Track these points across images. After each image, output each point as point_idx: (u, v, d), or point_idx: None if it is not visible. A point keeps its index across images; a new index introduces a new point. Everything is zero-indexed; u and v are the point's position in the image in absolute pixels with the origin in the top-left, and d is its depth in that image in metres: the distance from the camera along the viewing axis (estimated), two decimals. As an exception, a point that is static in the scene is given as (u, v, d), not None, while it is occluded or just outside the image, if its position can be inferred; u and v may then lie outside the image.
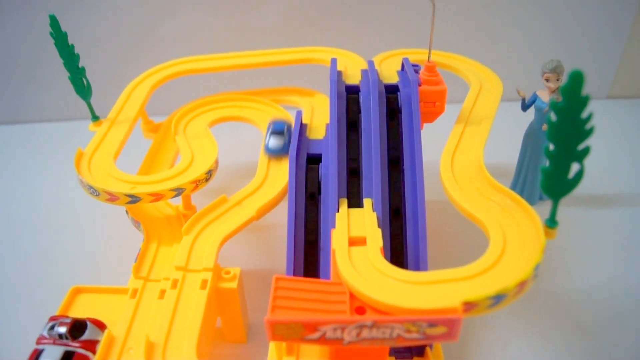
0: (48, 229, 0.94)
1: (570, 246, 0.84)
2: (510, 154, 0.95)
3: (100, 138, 0.79)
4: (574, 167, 0.48)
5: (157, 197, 0.69)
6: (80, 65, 0.79)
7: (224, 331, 0.70)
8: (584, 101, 0.44)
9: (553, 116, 0.46)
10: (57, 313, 0.64)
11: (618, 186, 0.97)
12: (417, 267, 0.60)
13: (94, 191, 0.70)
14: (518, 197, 0.58)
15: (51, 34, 0.76)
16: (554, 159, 0.48)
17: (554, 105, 0.45)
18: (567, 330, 0.71)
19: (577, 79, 0.43)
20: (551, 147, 0.47)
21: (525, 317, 0.73)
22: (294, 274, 0.62)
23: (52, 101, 1.28)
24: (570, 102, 0.44)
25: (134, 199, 0.69)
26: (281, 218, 0.66)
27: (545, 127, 0.85)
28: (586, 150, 0.47)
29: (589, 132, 0.46)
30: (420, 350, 0.60)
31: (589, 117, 0.45)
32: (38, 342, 0.60)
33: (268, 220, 0.75)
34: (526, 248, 0.52)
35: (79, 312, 0.65)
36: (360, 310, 0.52)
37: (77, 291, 0.68)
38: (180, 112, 0.86)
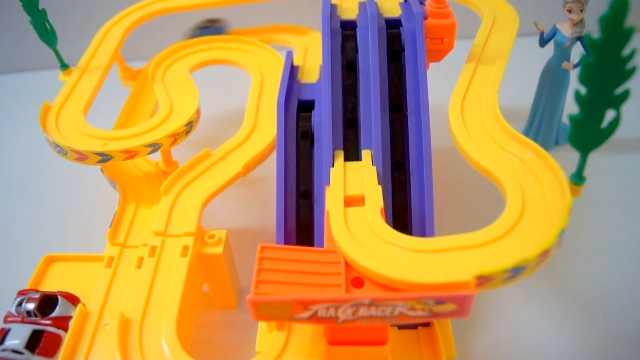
0: (16, 192, 0.87)
1: (589, 196, 0.77)
2: (525, 95, 0.87)
3: (69, 89, 0.72)
4: (609, 114, 0.40)
5: (130, 154, 0.62)
6: (41, 7, 0.70)
7: (213, 297, 0.65)
8: (627, 35, 0.37)
9: (586, 53, 0.38)
10: (28, 285, 0.60)
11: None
12: (423, 232, 0.54)
13: (61, 150, 0.63)
14: (539, 148, 0.51)
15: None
16: (586, 105, 0.40)
17: (589, 40, 0.37)
18: (586, 295, 0.66)
19: (620, 7, 0.36)
20: (583, 90, 0.40)
21: (540, 280, 0.67)
22: (285, 237, 0.56)
23: (15, 50, 1.17)
24: (611, 35, 0.37)
25: (104, 158, 0.62)
26: (272, 170, 0.59)
27: (565, 64, 0.77)
28: (625, 94, 0.40)
29: (631, 72, 0.38)
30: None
31: (632, 54, 0.38)
32: (5, 320, 0.55)
33: (257, 172, 0.68)
34: (549, 209, 0.46)
35: (52, 283, 0.60)
36: (357, 282, 0.46)
37: (50, 260, 0.63)
38: (158, 56, 0.78)
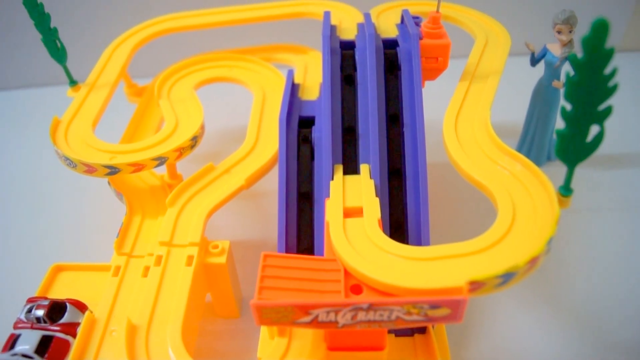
0: (27, 203, 0.89)
1: (579, 210, 0.79)
2: (517, 113, 0.89)
3: (78, 104, 0.74)
4: (593, 129, 0.43)
5: (137, 167, 0.64)
6: (52, 26, 0.73)
7: (215, 307, 0.66)
8: (607, 54, 0.39)
9: (571, 72, 0.40)
10: (36, 293, 0.61)
11: (631, 145, 0.92)
12: (419, 241, 0.56)
13: (70, 163, 0.65)
14: (529, 161, 0.53)
15: (18, -9, 0.69)
16: (571, 121, 0.42)
17: (573, 60, 0.40)
18: (579, 303, 0.68)
19: (600, 28, 0.38)
20: (568, 107, 0.42)
21: (533, 288, 0.69)
22: (287, 248, 0.58)
23: (27, 66, 1.20)
24: (593, 55, 0.39)
25: (113, 170, 0.64)
26: (273, 185, 0.62)
27: (555, 83, 0.79)
28: (608, 111, 0.42)
29: (612, 89, 0.41)
30: (422, 327, 0.56)
31: (613, 73, 0.40)
32: (15, 326, 0.56)
33: (259, 187, 0.70)
34: (538, 219, 0.48)
35: (60, 291, 0.62)
36: (356, 289, 0.48)
37: (58, 269, 0.64)
38: (164, 74, 0.80)
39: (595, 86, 0.40)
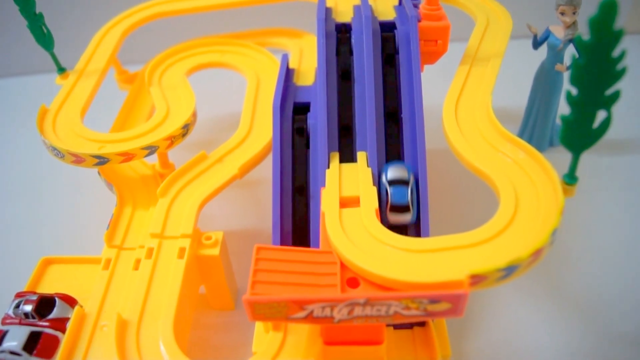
0: (13, 195, 0.87)
1: (587, 197, 0.78)
2: (518, 97, 0.87)
3: (66, 92, 0.72)
4: (600, 115, 0.41)
5: (127, 157, 0.63)
6: (38, 11, 0.71)
7: (209, 299, 0.65)
8: (616, 36, 0.37)
9: (577, 55, 0.38)
10: (25, 288, 0.60)
11: (634, 130, 0.90)
12: (418, 232, 0.54)
13: (58, 153, 0.63)
14: (532, 148, 0.51)
15: (1, -26, 0.67)
16: (577, 106, 0.41)
17: (579, 42, 0.38)
18: (582, 295, 0.66)
19: (609, 9, 0.36)
20: (574, 91, 0.40)
21: (535, 280, 0.68)
22: (281, 240, 0.57)
23: (13, 53, 1.17)
24: (601, 37, 0.37)
25: (101, 160, 0.62)
26: (268, 172, 0.60)
27: (558, 66, 0.77)
28: (616, 95, 0.40)
29: (621, 73, 0.39)
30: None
31: (622, 56, 0.38)
32: (3, 322, 0.55)
33: (253, 175, 0.68)
34: (542, 209, 0.46)
35: (49, 285, 0.60)
36: (352, 282, 0.46)
37: (47, 262, 0.63)
38: (154, 60, 0.78)
39: (603, 69, 0.39)
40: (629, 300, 0.65)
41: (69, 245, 0.75)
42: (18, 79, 1.18)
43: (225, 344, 0.62)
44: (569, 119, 0.42)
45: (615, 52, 0.38)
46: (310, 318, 0.43)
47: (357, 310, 0.42)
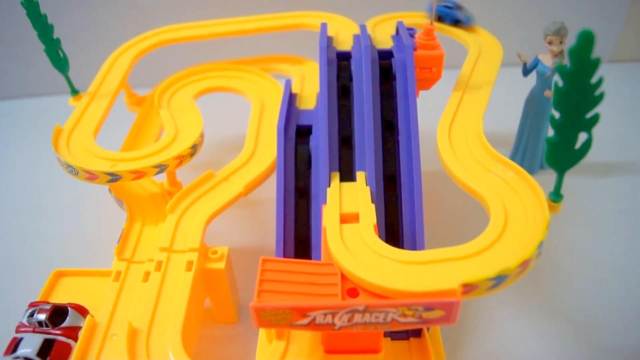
0: (27, 210, 0.90)
1: (573, 217, 0.81)
2: (510, 122, 0.91)
3: (79, 113, 0.75)
4: (581, 137, 0.45)
5: (138, 174, 0.66)
6: (55, 36, 0.75)
7: (214, 312, 0.67)
8: (594, 64, 0.41)
9: (559, 81, 0.42)
10: (38, 298, 0.62)
11: (622, 154, 0.93)
12: (414, 246, 0.57)
13: (72, 170, 0.66)
14: (520, 168, 0.54)
15: (22, 3, 0.71)
16: (559, 128, 0.44)
17: (560, 70, 0.41)
18: (575, 309, 0.69)
19: (586, 39, 0.40)
20: (557, 115, 0.44)
21: (529, 294, 0.70)
22: (284, 253, 0.59)
23: (29, 76, 1.22)
24: (579, 65, 0.41)
25: (114, 178, 0.65)
26: (271, 192, 0.63)
27: (547, 93, 0.81)
28: (595, 118, 0.43)
29: (599, 98, 0.42)
30: (417, 330, 0.57)
31: (599, 82, 0.42)
32: (17, 330, 0.57)
33: (257, 194, 0.72)
34: (529, 224, 0.49)
35: (61, 296, 0.63)
36: (352, 292, 0.49)
37: (59, 275, 0.65)
38: (163, 83, 0.82)
39: (582, 95, 0.42)
40: (622, 314, 0.68)
41: (78, 259, 0.78)
42: (33, 100, 1.23)
43: (230, 355, 0.64)
44: (553, 140, 0.45)
45: (594, 79, 0.42)
46: (312, 325, 0.45)
47: (357, 318, 0.45)
